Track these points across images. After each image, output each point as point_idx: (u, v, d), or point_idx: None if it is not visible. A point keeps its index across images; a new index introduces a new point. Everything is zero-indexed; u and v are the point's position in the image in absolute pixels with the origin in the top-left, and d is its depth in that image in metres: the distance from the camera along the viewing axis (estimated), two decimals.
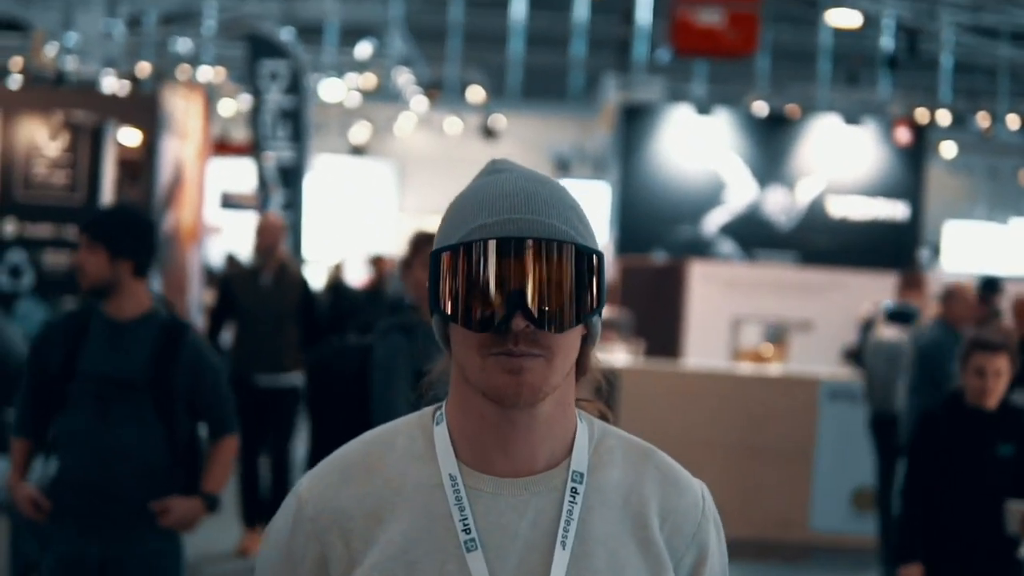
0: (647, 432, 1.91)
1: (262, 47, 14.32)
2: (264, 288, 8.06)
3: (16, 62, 19.46)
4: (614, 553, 1.76)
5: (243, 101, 24.74)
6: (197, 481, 4.51)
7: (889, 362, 8.89)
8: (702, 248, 19.03)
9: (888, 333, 9.03)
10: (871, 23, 26.61)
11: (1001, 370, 5.17)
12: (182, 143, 11.24)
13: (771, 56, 28.84)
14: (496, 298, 1.70)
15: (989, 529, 5.18)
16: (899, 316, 9.15)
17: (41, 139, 9.23)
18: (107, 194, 9.38)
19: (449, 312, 1.73)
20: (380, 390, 4.66)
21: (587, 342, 1.82)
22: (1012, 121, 27.65)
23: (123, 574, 4.39)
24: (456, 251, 1.72)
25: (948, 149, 29.03)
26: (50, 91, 11.68)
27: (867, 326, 9.31)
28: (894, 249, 19.17)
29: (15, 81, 17.45)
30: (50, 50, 19.57)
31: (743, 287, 12.49)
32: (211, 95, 17.14)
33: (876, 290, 11.32)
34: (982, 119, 27.02)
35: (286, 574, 1.79)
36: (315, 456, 5.58)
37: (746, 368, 10.55)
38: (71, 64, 19.32)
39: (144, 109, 10.46)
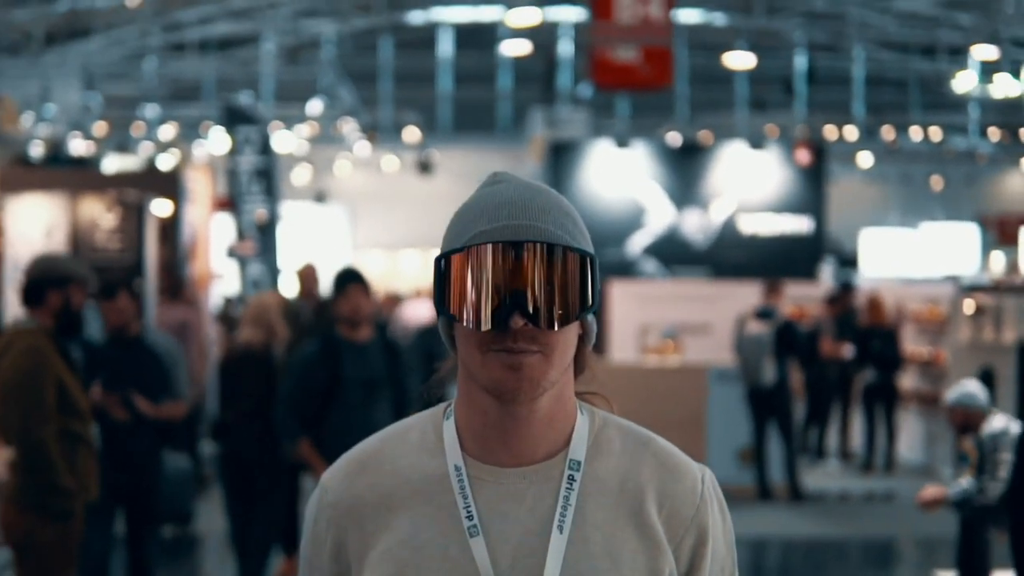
0: None
1: (236, 115, 17.56)
2: (305, 325, 9.09)
3: None
4: (610, 537, 1.91)
5: (198, 158, 27.84)
6: None
7: (756, 349, 12.53)
8: (627, 268, 21.18)
9: (754, 327, 12.67)
10: (785, 46, 29.58)
11: None
12: (195, 208, 14.68)
13: (690, 83, 31.08)
14: (496, 298, 1.84)
15: None
16: (763, 314, 12.78)
17: (99, 213, 12.43)
18: (151, 254, 12.63)
19: (453, 312, 1.89)
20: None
21: (584, 341, 1.99)
22: (915, 132, 30.47)
23: None
24: (458, 255, 1.89)
25: (864, 159, 31.62)
26: (103, 176, 14.93)
27: (741, 323, 12.89)
28: (800, 260, 21.67)
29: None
30: (26, 119, 22.73)
31: (654, 299, 15.85)
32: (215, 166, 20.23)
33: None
34: (886, 132, 29.91)
35: (314, 556, 2.01)
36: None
37: (652, 360, 14.09)
38: (43, 131, 22.57)
39: (171, 185, 13.89)
